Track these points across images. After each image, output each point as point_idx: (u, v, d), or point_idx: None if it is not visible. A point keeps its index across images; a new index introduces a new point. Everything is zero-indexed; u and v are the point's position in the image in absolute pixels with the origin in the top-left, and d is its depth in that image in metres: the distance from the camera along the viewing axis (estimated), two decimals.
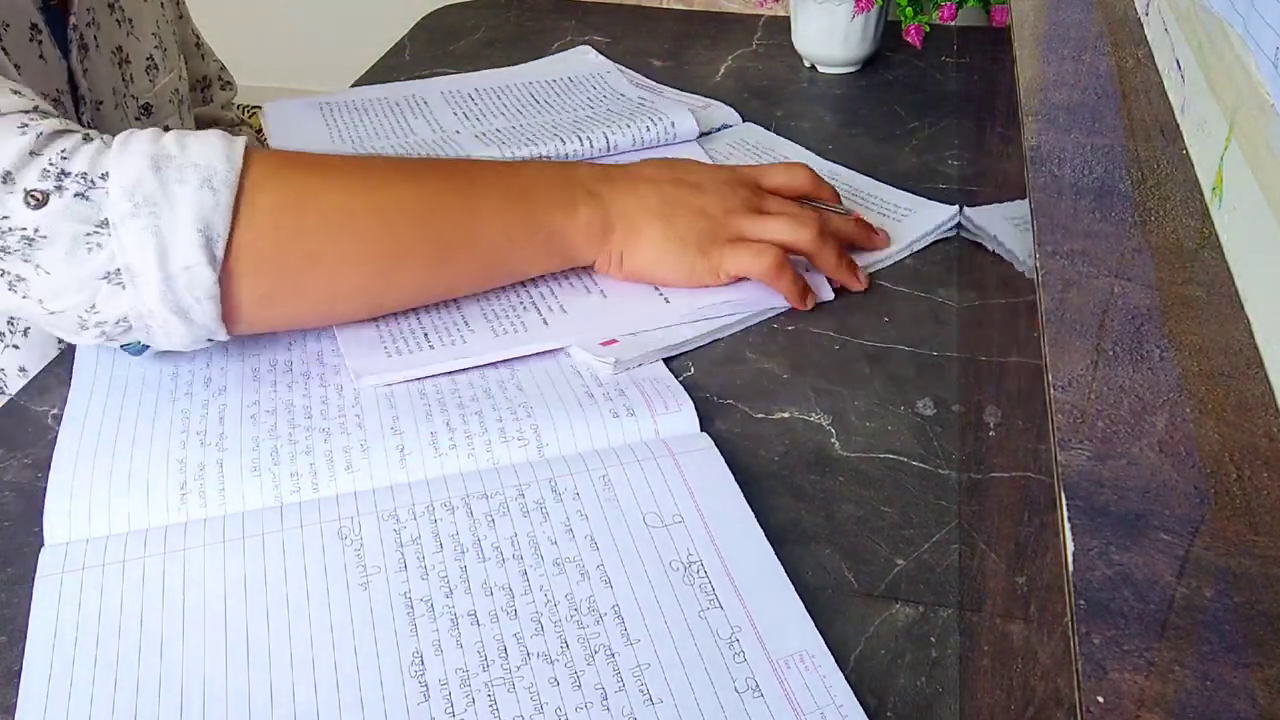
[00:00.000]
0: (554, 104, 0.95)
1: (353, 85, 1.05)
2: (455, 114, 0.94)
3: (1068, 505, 0.30)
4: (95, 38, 0.82)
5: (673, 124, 0.88)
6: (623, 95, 0.96)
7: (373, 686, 0.46)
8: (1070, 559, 0.28)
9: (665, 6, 1.24)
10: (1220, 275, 0.38)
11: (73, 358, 0.65)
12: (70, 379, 0.64)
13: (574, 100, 0.97)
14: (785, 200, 0.73)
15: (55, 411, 0.62)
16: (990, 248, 0.62)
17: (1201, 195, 0.43)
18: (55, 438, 0.60)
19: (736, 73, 1.07)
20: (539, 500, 0.54)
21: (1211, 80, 0.44)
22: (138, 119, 0.87)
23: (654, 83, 1.01)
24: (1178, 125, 0.48)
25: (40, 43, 0.76)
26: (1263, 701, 0.24)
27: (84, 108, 0.80)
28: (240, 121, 1.09)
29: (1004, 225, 0.57)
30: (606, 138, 0.86)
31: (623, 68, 1.03)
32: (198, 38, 1.06)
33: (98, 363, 0.65)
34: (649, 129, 0.88)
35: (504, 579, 0.50)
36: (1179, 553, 0.28)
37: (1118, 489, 0.30)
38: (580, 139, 0.86)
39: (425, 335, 0.65)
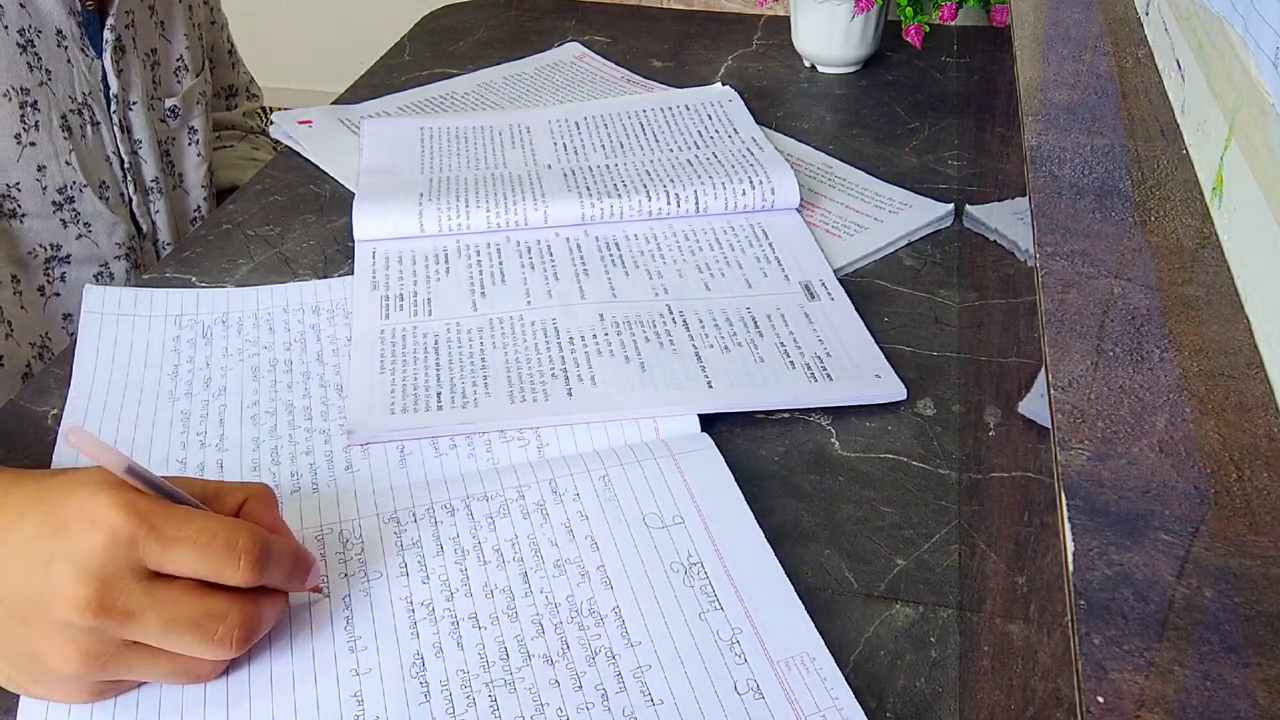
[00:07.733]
0: (661, 138, 0.89)
1: (353, 85, 1.05)
2: (555, 146, 0.88)
3: (1068, 505, 0.30)
4: (134, 39, 0.83)
5: (773, 190, 0.80)
6: (734, 133, 0.89)
7: (373, 686, 0.46)
8: (1070, 559, 0.28)
9: (665, 6, 1.24)
10: (1220, 275, 0.38)
11: (73, 358, 0.65)
12: (70, 379, 0.64)
13: (684, 131, 0.90)
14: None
15: (55, 412, 0.62)
16: (992, 239, 0.62)
17: (1201, 195, 0.43)
18: (55, 438, 0.60)
19: (736, 73, 1.07)
20: (539, 501, 0.54)
21: (1211, 80, 0.44)
22: (164, 120, 0.88)
23: (765, 130, 0.91)
24: (1178, 125, 0.48)
25: (67, 47, 0.77)
26: (1263, 701, 0.24)
27: (115, 107, 0.82)
28: (260, 130, 1.10)
29: (1007, 218, 0.57)
30: (697, 197, 0.79)
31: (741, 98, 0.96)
32: (231, 46, 1.06)
33: (97, 363, 0.65)
34: (745, 193, 0.79)
35: (504, 581, 0.50)
36: (1179, 553, 0.28)
37: (1118, 489, 0.30)
38: (669, 195, 0.79)
39: (439, 394, 0.62)
